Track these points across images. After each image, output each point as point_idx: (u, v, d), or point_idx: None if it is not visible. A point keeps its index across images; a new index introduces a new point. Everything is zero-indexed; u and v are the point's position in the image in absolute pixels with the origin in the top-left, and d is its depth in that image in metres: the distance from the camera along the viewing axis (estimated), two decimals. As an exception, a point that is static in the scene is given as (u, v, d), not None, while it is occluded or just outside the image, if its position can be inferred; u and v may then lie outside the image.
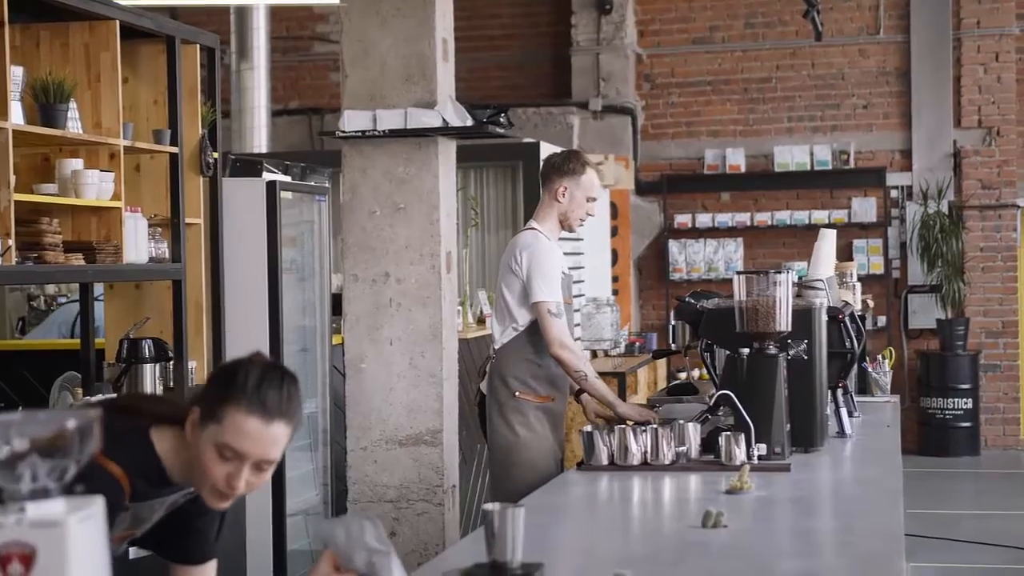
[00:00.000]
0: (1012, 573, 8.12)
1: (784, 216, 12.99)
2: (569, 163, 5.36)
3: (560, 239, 5.48)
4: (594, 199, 5.39)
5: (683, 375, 12.26)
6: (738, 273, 4.55)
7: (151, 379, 5.52)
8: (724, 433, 4.32)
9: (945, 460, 12.29)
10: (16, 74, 4.81)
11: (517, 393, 5.23)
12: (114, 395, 4.98)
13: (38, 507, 1.77)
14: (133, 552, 4.50)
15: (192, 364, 5.84)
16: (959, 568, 8.25)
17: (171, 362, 5.67)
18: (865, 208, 12.90)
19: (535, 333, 5.22)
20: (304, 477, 6.91)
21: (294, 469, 6.70)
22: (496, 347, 5.35)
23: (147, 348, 5.52)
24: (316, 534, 5.99)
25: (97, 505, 1.82)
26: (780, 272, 4.51)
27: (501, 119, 6.27)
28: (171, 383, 5.71)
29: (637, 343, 11.37)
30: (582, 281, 10.45)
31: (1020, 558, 8.42)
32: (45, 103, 4.91)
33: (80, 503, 1.80)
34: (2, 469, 1.77)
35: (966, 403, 12.48)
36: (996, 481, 11.72)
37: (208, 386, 2.70)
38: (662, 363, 11.53)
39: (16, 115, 4.77)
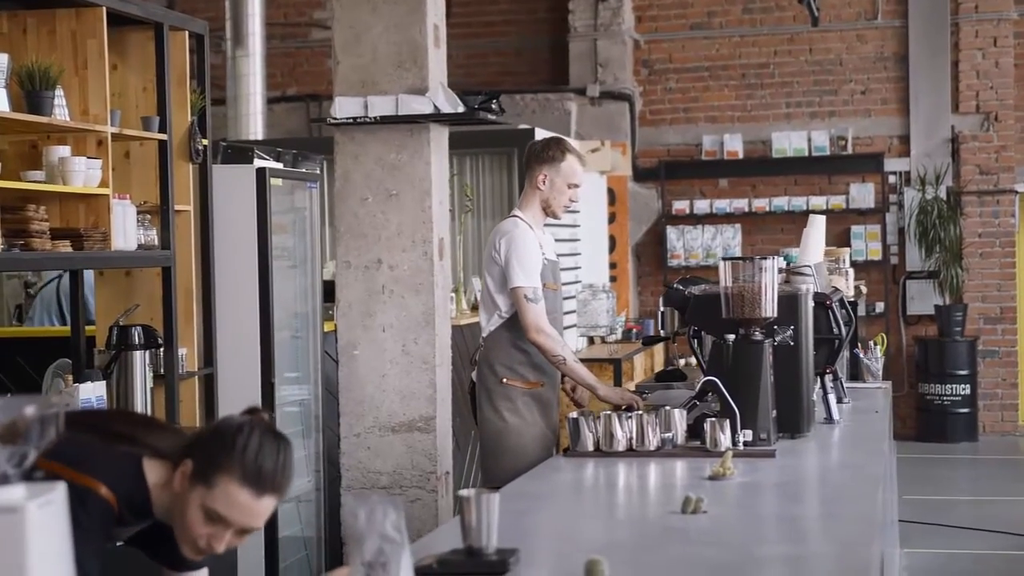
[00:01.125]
0: (1009, 559, 8.13)
1: (782, 202, 12.98)
2: (548, 150, 5.37)
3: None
4: (576, 185, 5.38)
5: (682, 361, 12.28)
6: (724, 259, 4.55)
7: (141, 366, 5.53)
8: (709, 419, 4.32)
9: (943, 446, 12.29)
10: (1, 61, 4.80)
11: (504, 380, 5.25)
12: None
13: (-3, 493, 1.78)
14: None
15: (182, 351, 5.84)
16: (956, 554, 8.26)
17: (161, 349, 5.67)
18: (863, 194, 12.89)
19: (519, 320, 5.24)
20: (297, 464, 6.84)
21: (286, 456, 6.70)
22: (483, 335, 5.37)
23: (137, 335, 5.52)
24: (343, 503, 6.01)
25: (58, 491, 1.83)
26: (766, 258, 4.50)
27: (492, 105, 6.26)
28: (161, 369, 5.71)
29: (634, 330, 11.38)
30: (579, 268, 10.46)
31: (1017, 544, 8.43)
32: (31, 90, 4.90)
33: (40, 489, 1.81)
34: (-39, 456, 1.78)
35: (964, 389, 12.47)
36: (994, 467, 11.72)
37: (205, 440, 2.68)
38: (659, 350, 11.53)
39: (2, 102, 4.76)
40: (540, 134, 10.28)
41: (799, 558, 3.02)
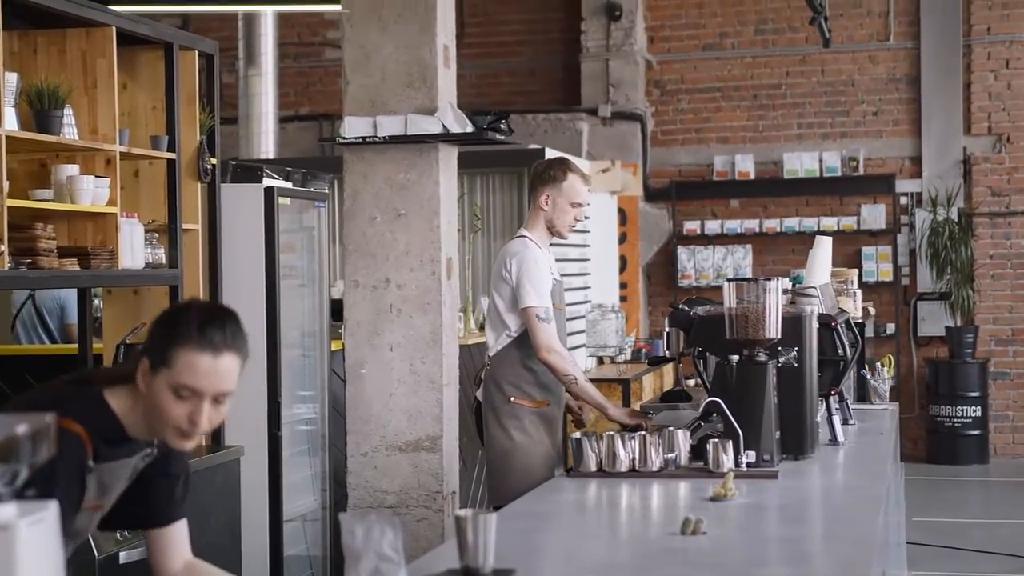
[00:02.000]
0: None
1: (793, 223, 12.98)
2: (551, 171, 5.41)
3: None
4: (579, 204, 5.40)
5: (691, 382, 12.26)
6: (728, 280, 4.55)
7: (148, 384, 5.54)
8: (712, 440, 4.32)
9: (954, 468, 12.24)
10: (10, 80, 4.84)
11: (512, 399, 5.27)
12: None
13: (-12, 511, 1.79)
14: (124, 556, 4.55)
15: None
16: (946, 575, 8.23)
17: (168, 367, 5.68)
18: (874, 215, 12.88)
19: (528, 339, 5.25)
20: (303, 482, 6.93)
21: (292, 474, 6.72)
22: (490, 354, 5.40)
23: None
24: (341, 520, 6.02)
25: (49, 509, 1.84)
26: (770, 279, 4.50)
27: (501, 125, 6.27)
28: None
29: (644, 350, 11.37)
30: (589, 288, 10.46)
31: (1015, 567, 8.39)
32: (40, 109, 4.94)
33: (31, 507, 1.82)
34: (-47, 473, 1.79)
35: (975, 411, 12.44)
36: (1005, 489, 11.68)
37: (152, 336, 2.78)
38: (669, 370, 11.52)
39: (11, 121, 4.79)
40: (550, 154, 10.29)
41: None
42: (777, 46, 13.22)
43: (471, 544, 2.76)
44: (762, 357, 4.49)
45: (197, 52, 6.04)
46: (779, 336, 4.49)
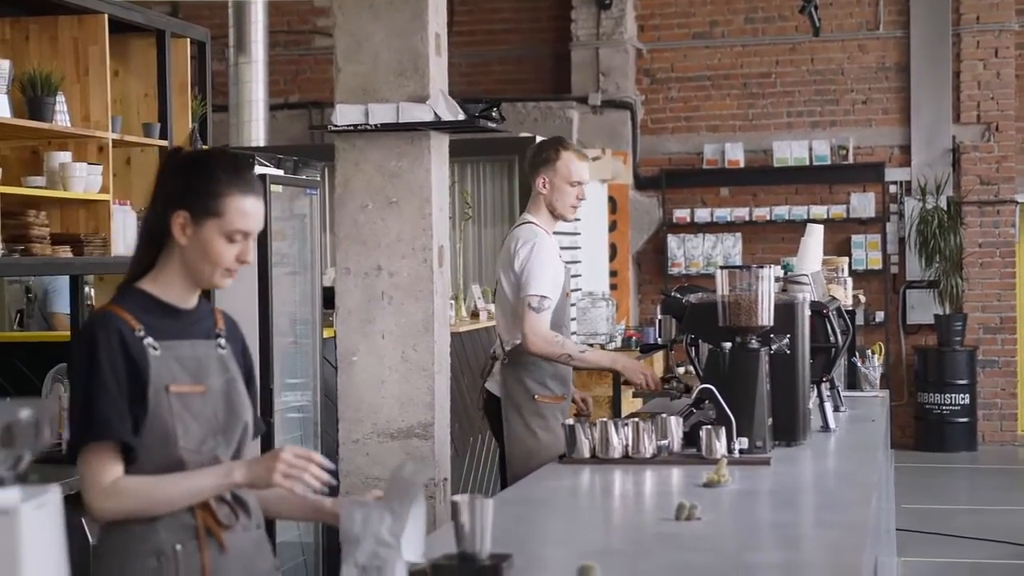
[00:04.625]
0: (1007, 569, 8.13)
1: (783, 211, 13.00)
2: (543, 152, 5.33)
3: (558, 232, 5.48)
4: (578, 183, 5.29)
5: (681, 370, 12.28)
6: (721, 268, 4.56)
7: (140, 371, 5.54)
8: (705, 427, 4.34)
9: (942, 455, 12.29)
10: (3, 67, 4.83)
11: (536, 396, 5.21)
12: None
13: (-9, 495, 1.80)
14: (94, 538, 4.52)
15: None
16: (954, 563, 8.27)
17: (160, 354, 5.69)
18: (864, 203, 12.91)
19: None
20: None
21: (285, 462, 6.71)
22: (507, 348, 5.27)
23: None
24: (339, 504, 6.03)
25: (52, 493, 1.84)
26: (763, 267, 4.52)
27: (493, 113, 6.27)
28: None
29: (634, 337, 11.38)
30: (579, 276, 10.47)
31: (1016, 554, 8.44)
32: (33, 96, 4.94)
33: (35, 491, 1.83)
34: (-44, 458, 1.80)
35: (963, 398, 12.49)
36: (992, 476, 11.73)
37: (181, 189, 2.87)
38: (659, 357, 11.54)
39: (3, 108, 4.79)
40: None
41: (791, 565, 3.04)
42: (767, 35, 13.24)
43: (467, 529, 2.77)
44: (755, 344, 4.50)
45: (189, 40, 6.03)
46: (772, 323, 4.51)
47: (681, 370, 10.79)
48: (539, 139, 10.21)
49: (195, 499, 2.85)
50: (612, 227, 12.49)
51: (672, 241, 13.20)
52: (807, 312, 4.79)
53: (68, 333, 5.98)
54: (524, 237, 5.26)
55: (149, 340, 2.84)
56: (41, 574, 1.79)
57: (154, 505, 2.83)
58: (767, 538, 3.41)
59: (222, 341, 2.99)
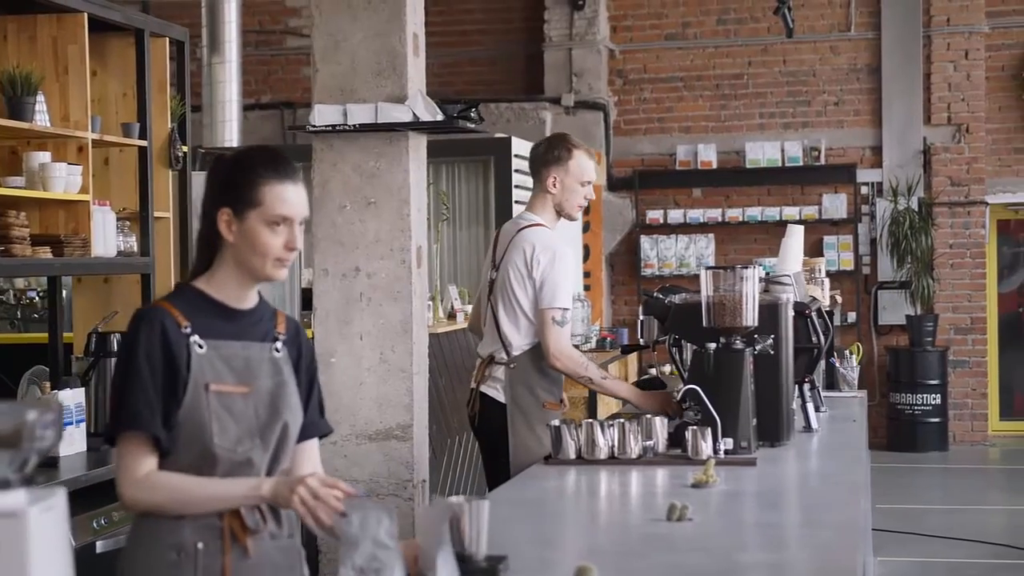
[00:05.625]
0: (980, 568, 8.17)
1: (755, 212, 13.04)
2: (554, 150, 5.15)
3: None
4: (588, 182, 5.15)
5: (652, 370, 12.31)
6: (706, 268, 4.56)
7: (119, 373, 5.50)
8: (691, 428, 4.34)
9: (914, 455, 12.35)
10: (-18, 67, 4.80)
11: (545, 404, 5.09)
12: None
13: (-2, 498, 1.78)
14: (100, 545, 4.51)
15: (160, 358, 5.81)
16: (927, 563, 8.31)
17: (140, 356, 5.64)
18: (836, 204, 12.96)
19: None
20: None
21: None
22: (515, 352, 5.11)
23: (115, 342, 5.50)
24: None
25: (58, 496, 1.82)
26: (747, 267, 4.52)
27: (472, 114, 6.26)
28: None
29: (609, 338, 11.41)
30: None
31: (988, 553, 8.49)
32: (13, 96, 4.89)
33: (41, 494, 1.80)
34: (-38, 460, 1.78)
35: (935, 399, 12.55)
36: (964, 476, 11.79)
37: (222, 188, 2.94)
38: (633, 358, 11.56)
39: (-18, 108, 4.75)
40: (516, 143, 10.31)
41: (784, 565, 3.04)
42: (739, 36, 13.27)
43: (466, 531, 2.76)
44: (739, 345, 4.51)
45: (168, 39, 5.99)
46: (756, 324, 4.51)
47: (652, 371, 10.82)
48: (516, 140, 10.25)
49: (222, 506, 2.88)
50: (585, 228, 12.50)
51: (645, 242, 13.21)
52: (791, 313, 4.80)
53: (46, 335, 5.93)
54: (543, 243, 5.07)
55: (196, 337, 2.88)
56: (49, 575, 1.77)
57: (182, 505, 2.86)
58: (760, 538, 3.41)
59: (279, 344, 3.01)
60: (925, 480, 11.60)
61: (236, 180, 2.93)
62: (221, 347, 2.92)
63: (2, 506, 1.76)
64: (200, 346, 2.89)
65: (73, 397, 5.12)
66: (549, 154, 5.17)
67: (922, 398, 12.54)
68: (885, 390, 12.83)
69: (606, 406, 9.10)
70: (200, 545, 2.86)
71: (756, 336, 4.56)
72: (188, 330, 2.89)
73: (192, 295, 2.95)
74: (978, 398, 12.96)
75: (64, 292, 7.34)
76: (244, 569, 2.89)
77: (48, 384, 5.44)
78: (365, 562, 2.68)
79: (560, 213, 5.20)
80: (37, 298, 9.07)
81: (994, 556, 8.41)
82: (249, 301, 3.00)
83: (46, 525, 1.78)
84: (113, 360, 5.49)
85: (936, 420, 12.58)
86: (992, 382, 13.13)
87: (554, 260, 5.02)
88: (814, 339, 5.15)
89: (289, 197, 2.92)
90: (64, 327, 5.85)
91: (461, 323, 8.13)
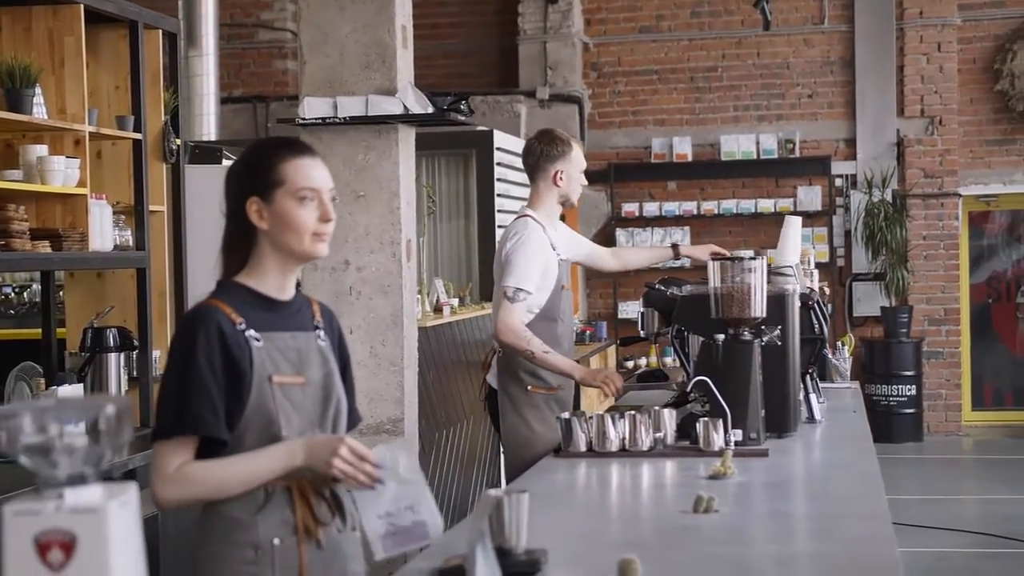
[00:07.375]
0: (955, 556, 8.23)
1: (731, 205, 13.06)
2: (556, 146, 5.35)
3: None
4: (584, 169, 5.47)
5: (630, 364, 12.32)
6: (713, 259, 4.56)
7: (116, 368, 5.45)
8: (702, 419, 4.33)
9: (889, 446, 12.39)
10: (-22, 59, 4.73)
11: (529, 387, 5.21)
12: None
13: (76, 493, 1.75)
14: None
15: (156, 353, 5.77)
16: (903, 552, 8.30)
17: (136, 351, 5.60)
18: (810, 196, 13.00)
19: (542, 324, 5.18)
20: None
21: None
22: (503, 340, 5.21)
23: (111, 337, 5.45)
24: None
25: (131, 491, 1.80)
26: (755, 258, 4.52)
27: (462, 106, 6.25)
28: (135, 372, 5.64)
29: (587, 331, 11.42)
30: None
31: (963, 542, 8.55)
32: (11, 88, 4.83)
33: (117, 489, 1.78)
34: (38, 455, 1.75)
35: (909, 390, 12.62)
36: (939, 466, 11.86)
37: (243, 180, 2.94)
38: (611, 351, 11.58)
39: (-20, 100, 4.69)
40: (498, 136, 10.28)
41: (820, 556, 3.03)
42: (713, 29, 13.29)
43: (506, 524, 2.74)
44: (747, 336, 4.50)
45: (161, 31, 5.94)
46: (764, 315, 4.51)
47: (630, 364, 10.81)
48: (497, 133, 10.21)
49: (254, 484, 2.83)
50: (561, 221, 12.46)
51: (621, 235, 13.21)
52: (796, 303, 4.81)
53: (36, 332, 5.88)
54: (515, 229, 5.27)
55: (251, 332, 2.86)
56: (126, 570, 1.75)
57: (219, 492, 2.83)
58: (793, 529, 3.41)
59: (321, 333, 3.01)
60: (900, 470, 11.64)
61: (255, 167, 2.94)
62: (275, 339, 2.90)
63: (82, 501, 1.74)
64: (257, 339, 2.87)
65: (72, 392, 5.08)
66: (552, 151, 5.34)
67: (897, 389, 12.61)
68: (861, 381, 12.86)
69: (589, 399, 9.10)
70: (276, 541, 2.83)
71: (763, 327, 4.56)
72: (243, 326, 2.86)
73: (236, 290, 2.93)
74: (952, 389, 13.04)
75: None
76: (318, 561, 2.87)
77: (43, 380, 5.39)
78: (392, 504, 2.69)
79: (564, 203, 5.45)
80: (13, 294, 9.00)
81: (975, 545, 8.46)
82: (289, 291, 2.99)
83: (123, 519, 1.76)
84: (110, 356, 5.45)
85: (911, 411, 12.66)
86: (965, 373, 13.22)
87: (519, 242, 5.18)
88: (817, 329, 5.16)
89: (310, 170, 2.92)
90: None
91: (448, 317, 8.11)
